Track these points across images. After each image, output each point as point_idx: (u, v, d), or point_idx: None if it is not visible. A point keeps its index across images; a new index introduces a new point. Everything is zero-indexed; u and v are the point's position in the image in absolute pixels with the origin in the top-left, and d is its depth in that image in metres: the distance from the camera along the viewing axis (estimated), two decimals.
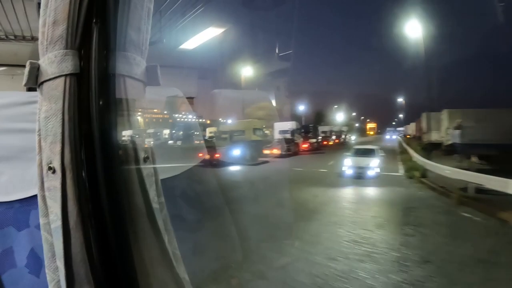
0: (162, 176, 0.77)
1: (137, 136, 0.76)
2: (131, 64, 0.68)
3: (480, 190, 8.04)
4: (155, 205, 0.71)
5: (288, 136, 22.30)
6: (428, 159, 12.85)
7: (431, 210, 7.77)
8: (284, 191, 9.77)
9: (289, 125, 23.38)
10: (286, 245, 5.42)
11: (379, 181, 11.59)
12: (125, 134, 0.73)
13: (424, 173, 11.28)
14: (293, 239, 5.72)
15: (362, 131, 50.04)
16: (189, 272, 0.78)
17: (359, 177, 11.85)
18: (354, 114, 51.35)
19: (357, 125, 52.17)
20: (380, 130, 51.11)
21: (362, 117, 55.20)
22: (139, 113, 0.77)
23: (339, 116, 44.73)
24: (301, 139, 24.18)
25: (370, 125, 54.13)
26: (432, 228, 6.45)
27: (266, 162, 17.77)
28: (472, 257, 4.90)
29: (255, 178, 12.72)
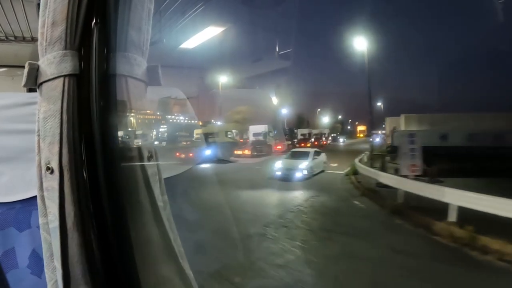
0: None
1: (139, 135, 0.76)
2: (132, 65, 0.68)
3: (383, 185, 9.21)
4: (159, 203, 0.71)
5: (261, 138, 23.57)
6: (372, 160, 14.75)
7: (330, 198, 9.38)
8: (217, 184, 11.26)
9: (262, 128, 24.71)
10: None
11: (317, 177, 12.95)
12: (127, 134, 0.73)
13: (356, 171, 12.61)
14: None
15: (352, 134, 50.63)
16: None
17: (286, 179, 12.25)
18: (340, 117, 52.02)
19: (349, 127, 52.87)
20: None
21: (350, 120, 55.63)
22: (139, 113, 0.77)
23: (323, 119, 45.58)
24: (275, 141, 25.11)
25: (360, 128, 54.70)
26: (313, 208, 8.15)
27: (235, 161, 19.52)
28: (322, 228, 6.59)
29: (207, 173, 14.49)
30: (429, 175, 9.75)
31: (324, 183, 11.54)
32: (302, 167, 12.70)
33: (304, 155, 14.02)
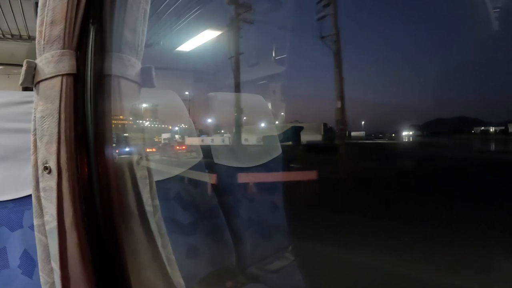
0: None
1: (130, 137, 0.75)
2: (126, 66, 0.68)
3: None
4: (148, 208, 0.70)
5: (167, 141, 26.67)
6: None
7: None
8: None
9: (168, 135, 27.89)
10: None
11: None
12: (119, 135, 0.72)
13: None
14: None
15: None
16: None
17: None
18: None
19: None
20: None
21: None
22: (132, 115, 0.76)
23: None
24: (178, 143, 28.47)
25: None
26: None
27: None
28: None
29: None
30: None
31: None
32: None
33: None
